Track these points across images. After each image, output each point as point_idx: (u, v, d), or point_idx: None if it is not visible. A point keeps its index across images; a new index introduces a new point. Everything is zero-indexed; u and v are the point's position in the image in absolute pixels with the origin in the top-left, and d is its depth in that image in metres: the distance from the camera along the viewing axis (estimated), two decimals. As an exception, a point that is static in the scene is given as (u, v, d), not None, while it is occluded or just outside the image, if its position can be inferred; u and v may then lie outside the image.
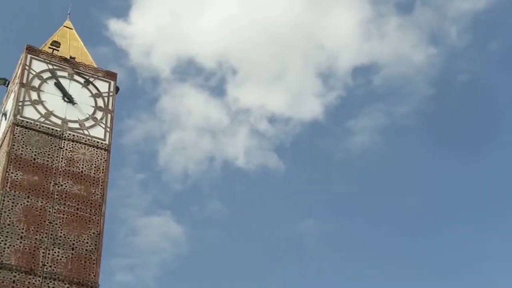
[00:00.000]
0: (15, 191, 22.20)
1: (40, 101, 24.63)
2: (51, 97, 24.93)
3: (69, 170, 23.51)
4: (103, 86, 26.32)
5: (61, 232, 22.10)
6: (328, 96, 58.27)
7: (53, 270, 21.31)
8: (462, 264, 55.03)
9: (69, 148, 24.02)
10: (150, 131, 58.53)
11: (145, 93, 60.05)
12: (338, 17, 60.54)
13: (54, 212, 22.40)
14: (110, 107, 25.90)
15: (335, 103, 58.78)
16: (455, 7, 60.12)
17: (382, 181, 60.37)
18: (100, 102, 25.84)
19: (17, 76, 25.49)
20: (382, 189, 60.22)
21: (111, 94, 26.29)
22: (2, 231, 21.25)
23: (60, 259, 21.61)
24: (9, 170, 22.53)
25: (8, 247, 21.05)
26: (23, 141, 23.36)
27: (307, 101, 58.96)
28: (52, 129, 24.10)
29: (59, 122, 24.40)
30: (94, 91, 26.05)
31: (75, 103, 25.22)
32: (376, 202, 59.31)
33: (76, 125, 24.69)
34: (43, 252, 21.46)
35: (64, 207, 22.65)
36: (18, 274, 20.76)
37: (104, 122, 25.33)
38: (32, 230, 21.69)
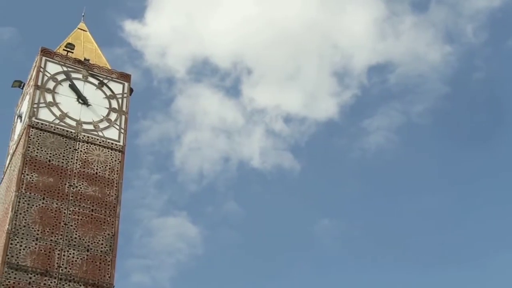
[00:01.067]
0: (30, 193, 22.31)
1: (54, 103, 24.74)
2: (66, 99, 25.04)
3: (83, 171, 23.59)
4: (117, 87, 26.39)
5: (76, 234, 22.17)
6: (343, 95, 58.14)
7: (68, 271, 21.39)
8: (481, 263, 54.69)
9: (84, 149, 24.11)
10: (166, 132, 58.69)
11: (160, 93, 60.21)
12: (353, 16, 60.37)
13: (69, 214, 22.49)
14: (124, 108, 25.97)
15: (350, 102, 58.62)
16: (471, 5, 59.73)
17: (397, 180, 60.19)
18: (114, 104, 25.91)
19: (32, 78, 25.63)
20: (397, 188, 60.03)
21: (125, 95, 26.36)
22: (18, 232, 21.36)
23: (75, 260, 21.68)
24: (25, 171, 22.65)
25: (23, 249, 21.15)
26: (38, 143, 23.47)
27: (322, 100, 58.87)
28: (67, 131, 24.20)
29: (73, 123, 24.50)
30: (108, 92, 26.13)
31: (90, 105, 25.32)
32: (392, 202, 59.13)
33: (91, 127, 24.77)
34: (58, 254, 21.55)
35: (79, 209, 22.73)
36: (34, 276, 20.86)
37: (118, 124, 25.40)
38: (48, 231, 21.79)
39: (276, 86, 60.36)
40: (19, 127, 25.49)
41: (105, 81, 26.34)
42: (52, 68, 25.64)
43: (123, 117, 25.72)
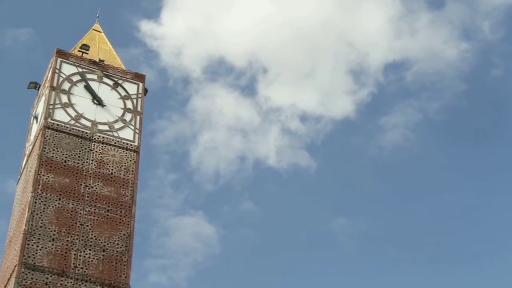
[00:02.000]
0: (46, 193, 22.43)
1: (70, 104, 24.86)
2: (81, 100, 25.15)
3: (99, 172, 23.68)
4: (131, 88, 26.47)
5: (92, 234, 22.26)
6: (359, 93, 57.92)
7: (85, 271, 21.47)
8: (503, 260, 54.20)
9: (99, 150, 24.20)
10: (182, 132, 58.79)
11: (176, 93, 60.36)
12: (368, 14, 60.12)
13: (85, 214, 22.58)
14: (139, 108, 26.03)
15: (366, 100, 58.39)
16: (487, 1, 59.27)
17: (414, 178, 59.82)
18: (129, 104, 25.99)
19: (48, 79, 25.76)
20: (414, 186, 59.69)
21: (139, 96, 26.43)
22: (35, 233, 21.48)
23: (92, 260, 21.77)
24: (41, 172, 22.77)
25: (40, 249, 21.27)
26: (54, 144, 23.59)
27: (338, 98, 58.69)
28: (82, 132, 24.31)
29: (89, 124, 24.60)
30: (123, 93, 26.21)
31: (105, 105, 25.41)
32: (409, 200, 58.82)
33: (106, 127, 24.86)
34: (74, 254, 21.64)
35: (94, 209, 22.82)
36: (51, 276, 20.96)
37: (133, 124, 25.47)
38: (64, 232, 21.89)
39: (292, 84, 60.31)
40: (35, 128, 25.64)
41: (120, 81, 26.42)
42: (67, 69, 25.76)
43: (138, 117, 25.79)
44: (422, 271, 54.15)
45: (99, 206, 22.93)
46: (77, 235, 22.02)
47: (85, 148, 24.00)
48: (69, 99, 24.96)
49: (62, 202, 22.48)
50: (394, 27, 59.42)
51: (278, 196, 58.23)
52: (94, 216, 22.65)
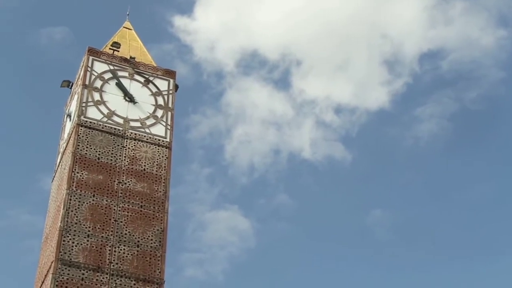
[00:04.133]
0: (81, 190, 22.73)
1: (102, 102, 25.12)
2: (113, 97, 25.40)
3: (132, 168, 23.89)
4: (162, 84, 26.64)
5: (126, 230, 22.49)
6: (394, 84, 57.37)
7: (120, 267, 21.71)
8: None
9: (131, 146, 24.42)
10: (216, 126, 58.99)
11: (210, 87, 60.53)
12: (402, 4, 59.49)
13: (119, 210, 22.82)
14: (170, 105, 26.20)
15: (401, 91, 57.81)
16: (525, -13, 58.03)
17: (451, 169, 59.09)
18: (160, 100, 26.17)
19: (80, 77, 26.07)
20: (451, 177, 58.91)
21: (170, 92, 26.59)
22: (70, 229, 21.79)
23: (126, 256, 22.00)
24: (75, 170, 23.07)
25: (76, 246, 21.57)
26: (87, 141, 23.88)
27: (373, 90, 58.23)
28: (115, 129, 24.55)
29: (121, 121, 24.83)
30: (154, 89, 26.39)
31: (136, 102, 25.61)
32: (445, 191, 58.10)
33: (138, 124, 25.08)
34: (109, 250, 21.90)
35: (128, 205, 23.04)
36: (86, 272, 21.24)
37: (165, 120, 25.64)
38: (98, 228, 22.16)
39: (325, 77, 60.04)
40: (68, 126, 25.99)
41: (151, 78, 26.61)
42: (99, 67, 26.03)
43: (169, 113, 25.95)
44: (459, 264, 53.56)
45: (133, 202, 23.15)
46: (112, 231, 22.28)
47: (118, 145, 24.24)
48: (101, 97, 25.23)
49: (96, 198, 22.75)
50: (428, 16, 58.72)
51: (313, 189, 58.13)
52: (128, 212, 22.88)
